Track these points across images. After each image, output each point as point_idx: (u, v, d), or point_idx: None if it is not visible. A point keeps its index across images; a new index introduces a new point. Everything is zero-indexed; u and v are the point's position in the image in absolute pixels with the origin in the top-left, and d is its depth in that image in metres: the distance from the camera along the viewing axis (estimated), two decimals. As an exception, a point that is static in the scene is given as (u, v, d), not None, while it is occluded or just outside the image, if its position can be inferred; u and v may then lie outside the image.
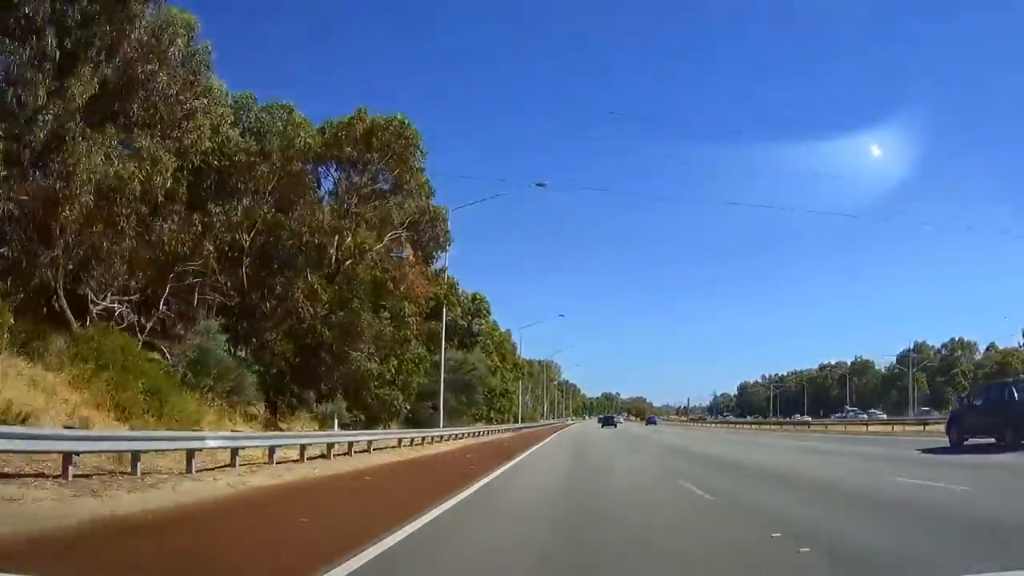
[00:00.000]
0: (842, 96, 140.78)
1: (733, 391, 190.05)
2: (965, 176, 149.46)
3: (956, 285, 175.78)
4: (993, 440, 20.38)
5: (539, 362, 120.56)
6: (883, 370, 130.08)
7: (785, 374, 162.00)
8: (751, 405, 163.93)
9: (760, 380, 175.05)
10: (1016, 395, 20.11)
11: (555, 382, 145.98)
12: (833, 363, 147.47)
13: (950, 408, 46.38)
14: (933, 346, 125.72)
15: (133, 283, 20.36)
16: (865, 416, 66.85)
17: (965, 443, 21.60)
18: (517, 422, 71.35)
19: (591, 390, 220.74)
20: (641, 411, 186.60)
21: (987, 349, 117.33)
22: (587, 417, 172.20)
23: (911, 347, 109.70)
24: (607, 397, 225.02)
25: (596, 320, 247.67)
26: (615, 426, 78.57)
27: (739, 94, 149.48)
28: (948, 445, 22.40)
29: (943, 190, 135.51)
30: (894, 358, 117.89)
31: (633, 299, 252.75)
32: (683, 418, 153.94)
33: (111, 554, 6.43)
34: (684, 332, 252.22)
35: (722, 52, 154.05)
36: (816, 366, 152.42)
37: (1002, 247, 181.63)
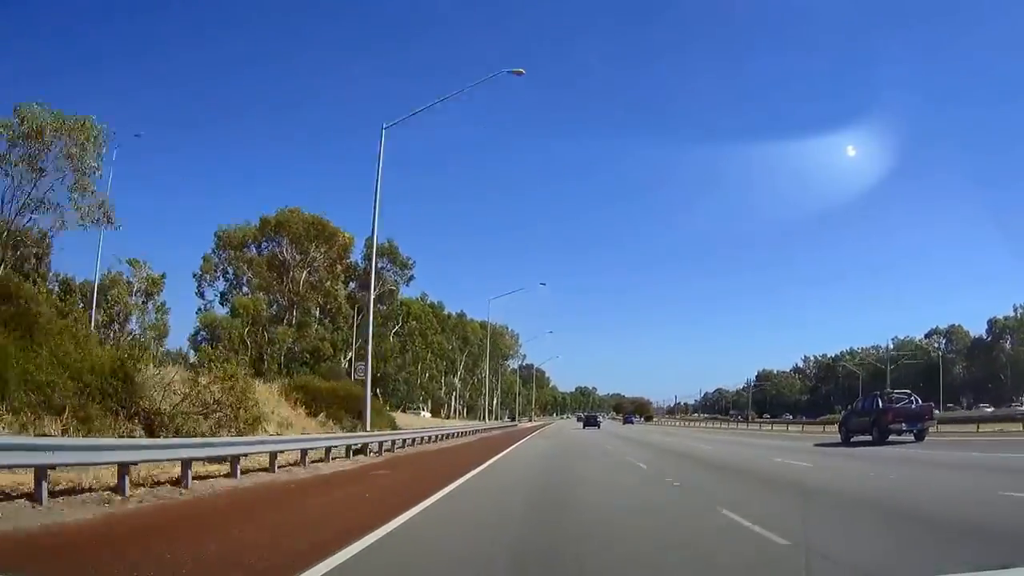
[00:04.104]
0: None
1: (726, 386, 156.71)
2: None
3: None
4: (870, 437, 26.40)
5: (481, 323, 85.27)
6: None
7: (837, 354, 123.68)
8: (777, 400, 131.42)
9: (801, 364, 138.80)
10: (880, 404, 26.37)
11: (512, 359, 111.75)
12: (943, 328, 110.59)
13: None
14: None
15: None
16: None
17: (851, 440, 27.67)
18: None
19: (564, 384, 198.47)
20: (644, 407, 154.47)
21: None
22: (559, 416, 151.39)
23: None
24: (582, 392, 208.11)
25: (570, 311, 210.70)
26: (598, 426, 77.19)
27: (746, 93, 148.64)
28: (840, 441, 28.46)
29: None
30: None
31: (609, 290, 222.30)
32: (692, 417, 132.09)
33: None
34: (673, 327, 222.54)
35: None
36: (887, 343, 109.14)
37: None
